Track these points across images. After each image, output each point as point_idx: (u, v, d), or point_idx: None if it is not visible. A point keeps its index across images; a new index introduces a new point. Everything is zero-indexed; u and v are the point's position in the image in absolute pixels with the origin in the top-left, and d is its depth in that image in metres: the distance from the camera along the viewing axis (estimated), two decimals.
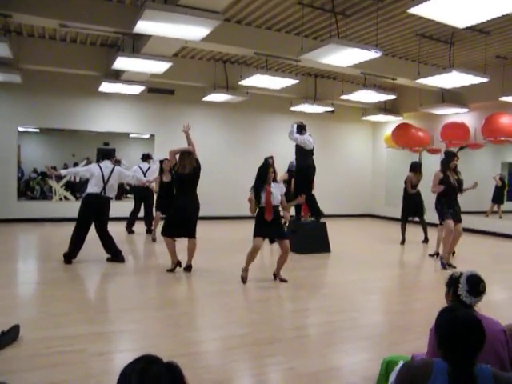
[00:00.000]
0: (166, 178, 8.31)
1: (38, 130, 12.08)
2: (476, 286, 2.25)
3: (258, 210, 5.55)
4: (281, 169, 10.53)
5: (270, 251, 8.04)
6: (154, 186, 8.71)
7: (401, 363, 2.22)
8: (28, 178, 13.04)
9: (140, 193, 9.26)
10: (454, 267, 6.63)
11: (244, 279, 5.56)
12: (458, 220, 6.94)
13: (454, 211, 6.88)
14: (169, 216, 6.18)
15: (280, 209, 5.74)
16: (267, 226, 5.49)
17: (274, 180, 5.73)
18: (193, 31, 6.00)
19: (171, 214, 6.11)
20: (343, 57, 6.83)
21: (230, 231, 10.25)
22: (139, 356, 1.28)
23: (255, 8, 7.10)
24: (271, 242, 8.49)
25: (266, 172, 5.52)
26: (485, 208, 11.61)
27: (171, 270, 6.00)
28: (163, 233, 5.96)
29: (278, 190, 5.61)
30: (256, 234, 5.54)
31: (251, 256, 5.57)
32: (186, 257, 6.07)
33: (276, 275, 5.80)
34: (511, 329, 2.39)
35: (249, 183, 5.72)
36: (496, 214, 11.65)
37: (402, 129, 12.44)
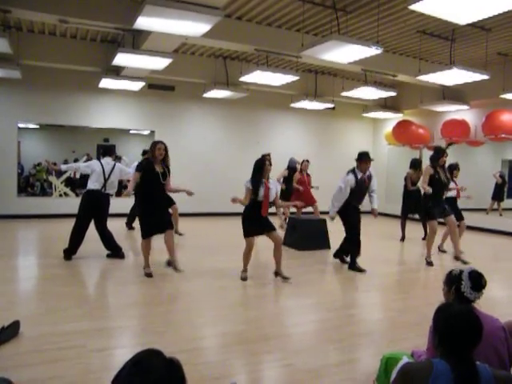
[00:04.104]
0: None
1: (37, 126, 12.05)
2: (479, 281, 2.27)
3: (251, 202, 5.45)
4: (280, 166, 10.54)
5: (265, 248, 8.03)
6: None
7: (404, 360, 2.23)
8: (28, 173, 13.03)
9: None
10: (432, 264, 6.81)
11: (244, 279, 5.56)
12: (448, 214, 6.93)
13: (441, 209, 6.85)
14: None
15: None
16: (256, 221, 5.45)
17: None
18: (193, 27, 5.98)
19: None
20: (344, 53, 6.81)
21: (229, 227, 10.24)
22: (145, 348, 1.28)
23: (256, 4, 7.08)
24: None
25: (263, 165, 5.45)
26: (485, 205, 11.61)
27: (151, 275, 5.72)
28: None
29: (274, 187, 5.59)
30: (247, 234, 5.50)
31: (247, 256, 5.59)
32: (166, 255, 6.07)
33: (277, 273, 5.72)
34: (510, 326, 2.40)
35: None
36: (496, 212, 11.65)
37: (402, 126, 12.42)
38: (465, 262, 6.75)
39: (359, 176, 6.27)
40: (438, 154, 6.84)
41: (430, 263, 6.86)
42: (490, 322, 2.18)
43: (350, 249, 6.49)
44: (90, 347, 3.40)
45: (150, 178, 5.52)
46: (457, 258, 6.98)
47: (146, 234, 5.62)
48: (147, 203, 5.61)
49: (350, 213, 6.34)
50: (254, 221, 5.47)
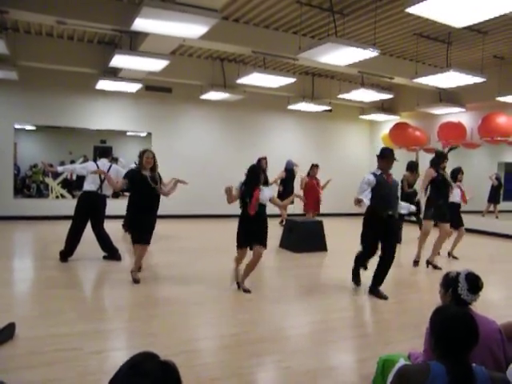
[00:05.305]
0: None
1: (34, 128, 12.01)
2: (475, 283, 2.28)
3: (242, 207, 5.20)
4: (277, 168, 10.56)
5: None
6: None
7: (401, 362, 2.23)
8: (24, 175, 12.98)
9: None
10: (440, 268, 6.77)
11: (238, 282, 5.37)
12: (445, 221, 6.90)
13: (441, 212, 6.80)
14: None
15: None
16: (250, 229, 5.11)
17: (265, 183, 5.46)
18: (190, 29, 5.98)
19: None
20: (341, 56, 6.83)
21: (226, 230, 10.21)
22: (141, 352, 1.28)
23: (253, 6, 7.09)
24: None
25: (259, 175, 5.20)
26: (481, 208, 11.64)
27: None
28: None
29: (268, 191, 5.28)
30: (238, 245, 5.19)
31: (238, 260, 5.34)
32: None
33: (239, 283, 5.35)
34: (506, 328, 2.40)
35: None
36: (492, 214, 11.69)
37: (399, 128, 12.46)
38: (436, 267, 6.83)
39: (378, 173, 5.37)
40: (439, 158, 6.83)
41: (416, 262, 7.07)
42: (487, 324, 2.19)
43: (356, 260, 5.63)
44: (87, 349, 3.39)
45: (139, 183, 5.35)
46: (429, 262, 6.97)
47: (133, 240, 5.60)
48: (135, 212, 5.49)
49: (372, 223, 5.28)
50: (247, 229, 5.12)
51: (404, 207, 5.56)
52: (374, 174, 5.33)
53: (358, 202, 5.10)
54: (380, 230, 5.21)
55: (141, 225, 5.48)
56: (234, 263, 5.37)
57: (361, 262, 5.59)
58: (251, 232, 5.11)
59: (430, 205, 6.82)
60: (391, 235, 5.31)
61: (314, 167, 9.60)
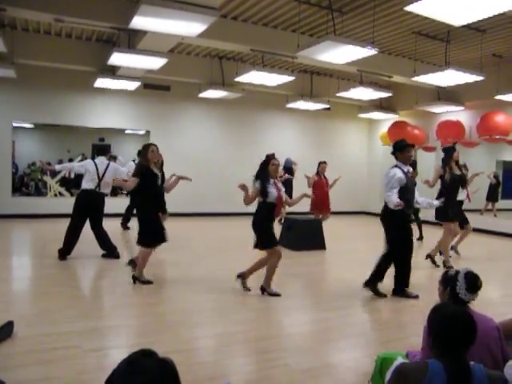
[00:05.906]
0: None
1: (32, 126, 12.00)
2: (474, 282, 2.28)
3: (262, 205, 4.87)
4: None
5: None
6: None
7: (399, 360, 2.23)
8: (23, 173, 12.97)
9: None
10: (438, 266, 6.75)
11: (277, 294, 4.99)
12: (448, 220, 6.81)
13: (444, 211, 6.62)
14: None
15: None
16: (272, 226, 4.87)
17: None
18: (189, 27, 5.98)
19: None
20: (339, 54, 6.83)
21: (227, 228, 10.24)
22: (139, 349, 1.28)
23: (252, 4, 7.09)
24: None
25: (266, 164, 4.93)
26: (479, 206, 11.66)
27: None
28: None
29: (282, 188, 5.09)
30: (274, 242, 4.88)
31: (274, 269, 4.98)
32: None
33: (242, 277, 5.15)
34: (505, 325, 2.41)
35: (245, 180, 5.52)
36: (490, 212, 11.72)
37: (397, 126, 12.47)
38: (434, 263, 6.82)
39: (405, 169, 4.91)
40: (448, 152, 6.70)
41: (449, 267, 6.84)
42: (485, 322, 2.19)
43: (378, 269, 5.10)
44: (85, 347, 3.39)
45: (150, 180, 5.08)
46: (430, 255, 6.95)
47: (151, 243, 5.22)
48: (151, 209, 5.15)
49: (400, 223, 4.92)
50: (271, 225, 4.85)
51: (423, 202, 5.25)
52: (402, 171, 4.89)
53: (400, 205, 4.67)
54: (407, 230, 5.00)
55: (159, 223, 5.21)
56: (275, 262, 4.95)
57: (384, 267, 5.11)
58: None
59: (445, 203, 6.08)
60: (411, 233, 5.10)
61: (322, 164, 9.03)
